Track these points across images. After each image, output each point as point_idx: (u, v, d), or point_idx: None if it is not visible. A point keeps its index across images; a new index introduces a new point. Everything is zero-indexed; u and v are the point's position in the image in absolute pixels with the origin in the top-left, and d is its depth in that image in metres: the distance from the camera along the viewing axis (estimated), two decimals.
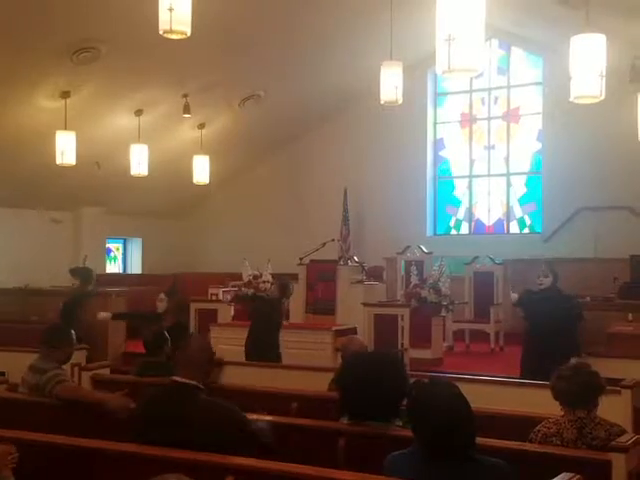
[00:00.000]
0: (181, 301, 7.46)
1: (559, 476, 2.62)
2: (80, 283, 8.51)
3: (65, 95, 10.52)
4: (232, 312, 10.20)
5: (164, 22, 5.34)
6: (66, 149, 10.38)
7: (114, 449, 3.18)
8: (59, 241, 13.59)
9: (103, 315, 7.92)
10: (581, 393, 3.29)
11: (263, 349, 7.46)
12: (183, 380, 3.31)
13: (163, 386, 3.46)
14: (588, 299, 8.60)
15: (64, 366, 4.72)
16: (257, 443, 3.32)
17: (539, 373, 5.93)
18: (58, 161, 10.45)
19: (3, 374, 5.93)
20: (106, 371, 5.80)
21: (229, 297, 9.64)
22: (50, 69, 9.99)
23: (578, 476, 2.65)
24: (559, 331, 6.43)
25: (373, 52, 9.42)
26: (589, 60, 5.64)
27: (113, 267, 15.88)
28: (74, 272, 8.71)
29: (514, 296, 7.04)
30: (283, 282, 7.87)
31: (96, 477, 3.15)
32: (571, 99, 5.83)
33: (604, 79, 5.63)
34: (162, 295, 7.13)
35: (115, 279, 13.86)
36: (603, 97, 5.70)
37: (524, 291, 7.02)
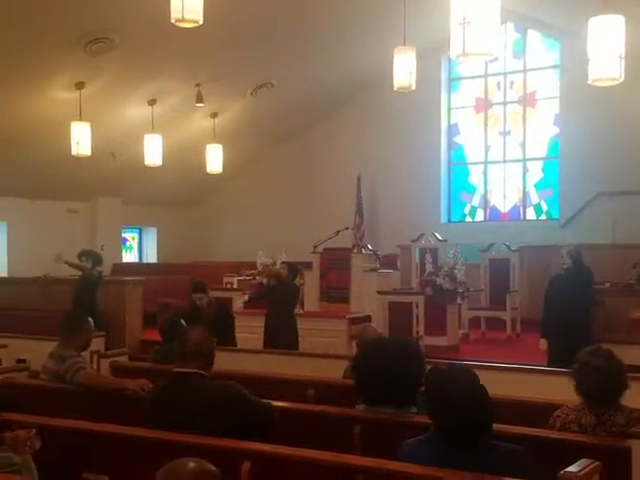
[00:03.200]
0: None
1: (577, 462, 2.60)
2: (92, 264, 8.66)
3: (80, 86, 10.56)
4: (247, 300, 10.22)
5: (176, 10, 5.35)
6: (81, 140, 10.45)
7: (133, 435, 3.21)
8: (76, 231, 13.68)
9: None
10: (604, 399, 3.24)
11: (279, 335, 7.54)
12: (183, 370, 3.38)
13: (167, 378, 3.51)
14: (607, 285, 8.53)
15: (83, 353, 4.77)
16: (264, 419, 3.36)
17: (564, 355, 5.93)
18: (73, 152, 10.52)
19: (24, 361, 6.02)
20: (124, 358, 5.86)
21: (246, 291, 9.75)
22: (64, 60, 10.01)
23: (597, 462, 2.63)
24: (575, 313, 6.47)
25: (386, 38, 9.35)
26: (608, 42, 5.54)
27: (129, 256, 15.96)
28: (86, 253, 8.87)
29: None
30: (290, 263, 8.28)
31: (115, 462, 3.18)
32: (589, 82, 5.75)
33: (623, 61, 5.54)
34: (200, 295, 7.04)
35: (131, 268, 13.95)
36: (622, 79, 5.62)
37: (549, 280, 7.02)
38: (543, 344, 6.77)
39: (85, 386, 4.33)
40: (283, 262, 8.61)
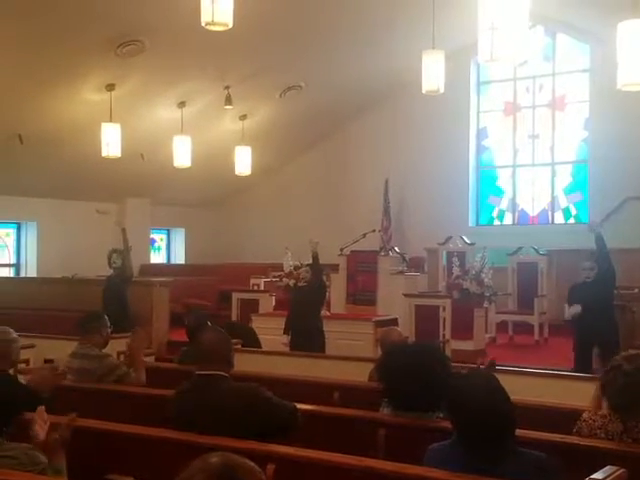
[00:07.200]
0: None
1: (602, 470, 2.58)
2: (126, 263, 8.63)
3: (110, 88, 10.69)
4: (273, 302, 10.27)
5: (206, 14, 5.40)
6: (111, 141, 10.57)
7: (158, 436, 3.24)
8: (105, 232, 13.80)
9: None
10: (626, 405, 3.19)
11: (306, 337, 7.55)
12: (204, 372, 3.38)
13: (188, 380, 3.51)
14: (636, 291, 8.41)
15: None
16: (288, 419, 3.34)
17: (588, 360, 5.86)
18: (104, 153, 10.64)
19: (52, 361, 6.09)
20: (151, 359, 5.91)
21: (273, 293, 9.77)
22: (95, 62, 10.15)
23: (622, 470, 2.60)
24: (596, 314, 6.44)
25: (415, 41, 9.33)
26: (637, 46, 5.50)
27: (157, 257, 16.11)
28: (118, 252, 8.84)
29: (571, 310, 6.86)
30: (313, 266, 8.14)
31: (140, 463, 3.21)
32: (619, 86, 5.70)
33: None
34: None
35: (159, 269, 14.07)
36: None
37: (570, 287, 7.00)
38: (571, 310, 6.72)
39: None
40: (307, 265, 8.63)
